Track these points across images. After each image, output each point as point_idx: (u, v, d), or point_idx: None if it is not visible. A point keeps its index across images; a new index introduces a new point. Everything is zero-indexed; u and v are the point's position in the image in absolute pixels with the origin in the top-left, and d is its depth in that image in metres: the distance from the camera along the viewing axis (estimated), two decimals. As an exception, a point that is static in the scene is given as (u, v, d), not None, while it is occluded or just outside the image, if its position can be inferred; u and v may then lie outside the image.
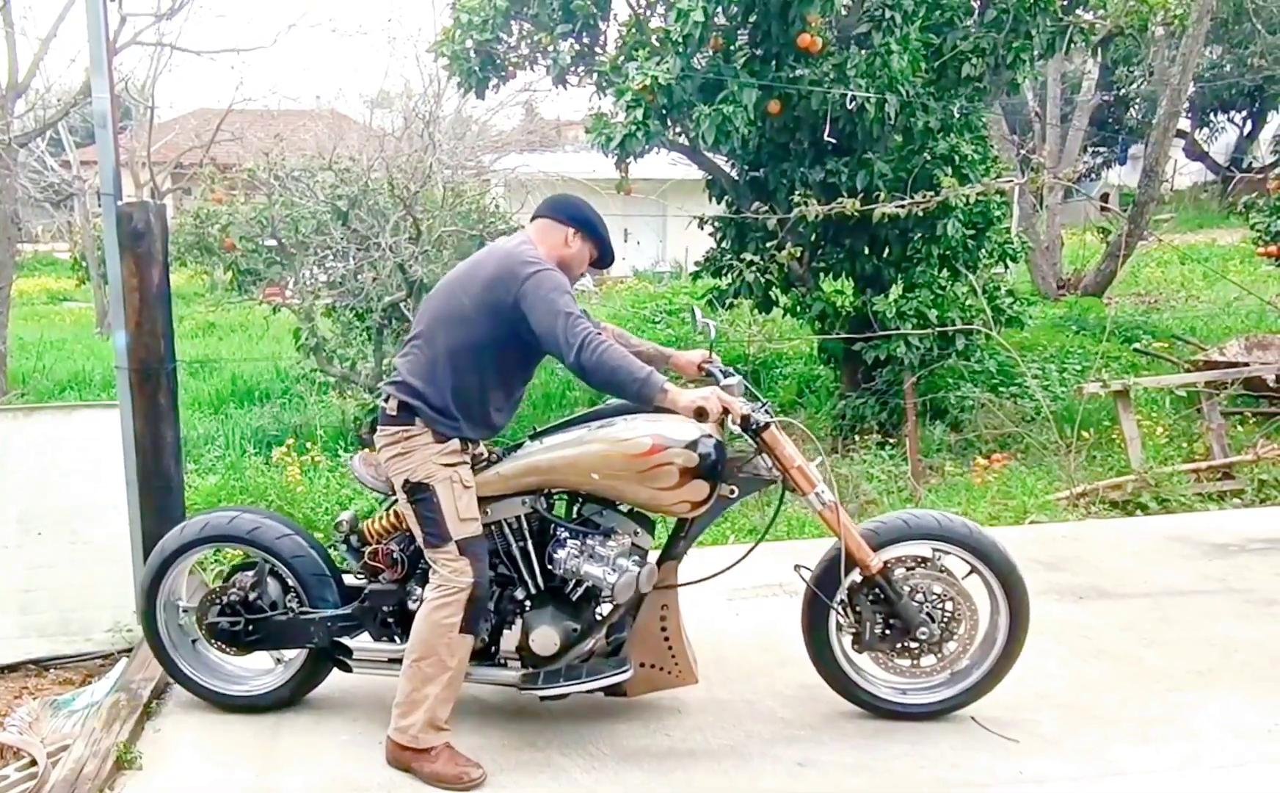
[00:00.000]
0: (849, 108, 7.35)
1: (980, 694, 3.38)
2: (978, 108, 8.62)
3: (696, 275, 9.43)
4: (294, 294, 8.36)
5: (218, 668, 3.61)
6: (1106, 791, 3.05)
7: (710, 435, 3.07)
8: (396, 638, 3.38)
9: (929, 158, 7.84)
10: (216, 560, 4.58)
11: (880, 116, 7.40)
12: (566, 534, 3.23)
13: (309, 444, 7.08)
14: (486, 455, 3.29)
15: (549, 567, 3.25)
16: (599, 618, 3.28)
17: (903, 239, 8.04)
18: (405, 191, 7.89)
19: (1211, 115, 28.16)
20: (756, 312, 8.90)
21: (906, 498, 6.49)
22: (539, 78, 9.12)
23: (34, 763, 3.29)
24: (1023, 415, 8.12)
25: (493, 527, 3.26)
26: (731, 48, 7.66)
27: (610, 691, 3.33)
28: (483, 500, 3.21)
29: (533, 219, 3.34)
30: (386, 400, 3.19)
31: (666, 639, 3.32)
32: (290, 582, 3.45)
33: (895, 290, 8.32)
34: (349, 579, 3.50)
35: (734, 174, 8.85)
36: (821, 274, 8.71)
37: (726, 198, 8.99)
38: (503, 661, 3.32)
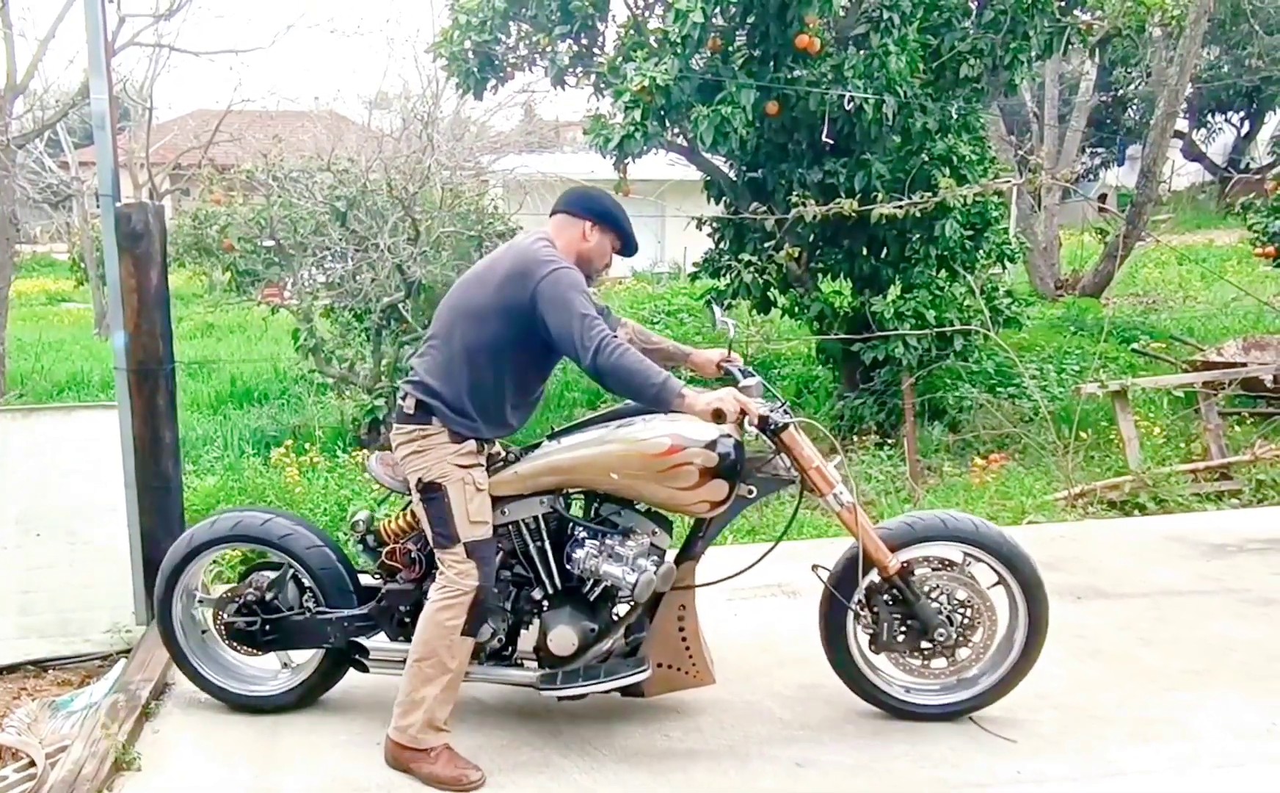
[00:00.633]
0: (847, 109, 7.36)
1: (992, 699, 3.38)
2: (975, 109, 8.63)
3: (695, 276, 9.44)
4: (292, 295, 8.36)
5: (229, 667, 3.60)
6: (1105, 791, 3.06)
7: (729, 436, 3.07)
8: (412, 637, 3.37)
9: (927, 158, 7.85)
10: (214, 561, 4.56)
11: (878, 117, 7.41)
12: (585, 534, 3.22)
13: (307, 445, 7.08)
14: (503, 455, 3.28)
15: (566, 567, 3.24)
16: (616, 618, 3.28)
17: (901, 240, 8.05)
18: (404, 192, 7.89)
19: (1209, 116, 28.19)
20: (755, 312, 8.91)
21: (905, 499, 6.49)
22: (537, 79, 9.13)
23: (33, 764, 3.30)
24: (1021, 416, 8.13)
25: (510, 527, 3.26)
26: (730, 49, 7.66)
27: (627, 691, 3.32)
28: (500, 500, 3.21)
29: (551, 214, 3.31)
30: (404, 398, 3.18)
31: (684, 640, 3.32)
32: (307, 582, 3.44)
33: (893, 291, 8.33)
34: (364, 579, 3.50)
35: (732, 175, 8.86)
36: (820, 275, 8.72)
37: (725, 198, 9.00)
38: (519, 661, 3.32)
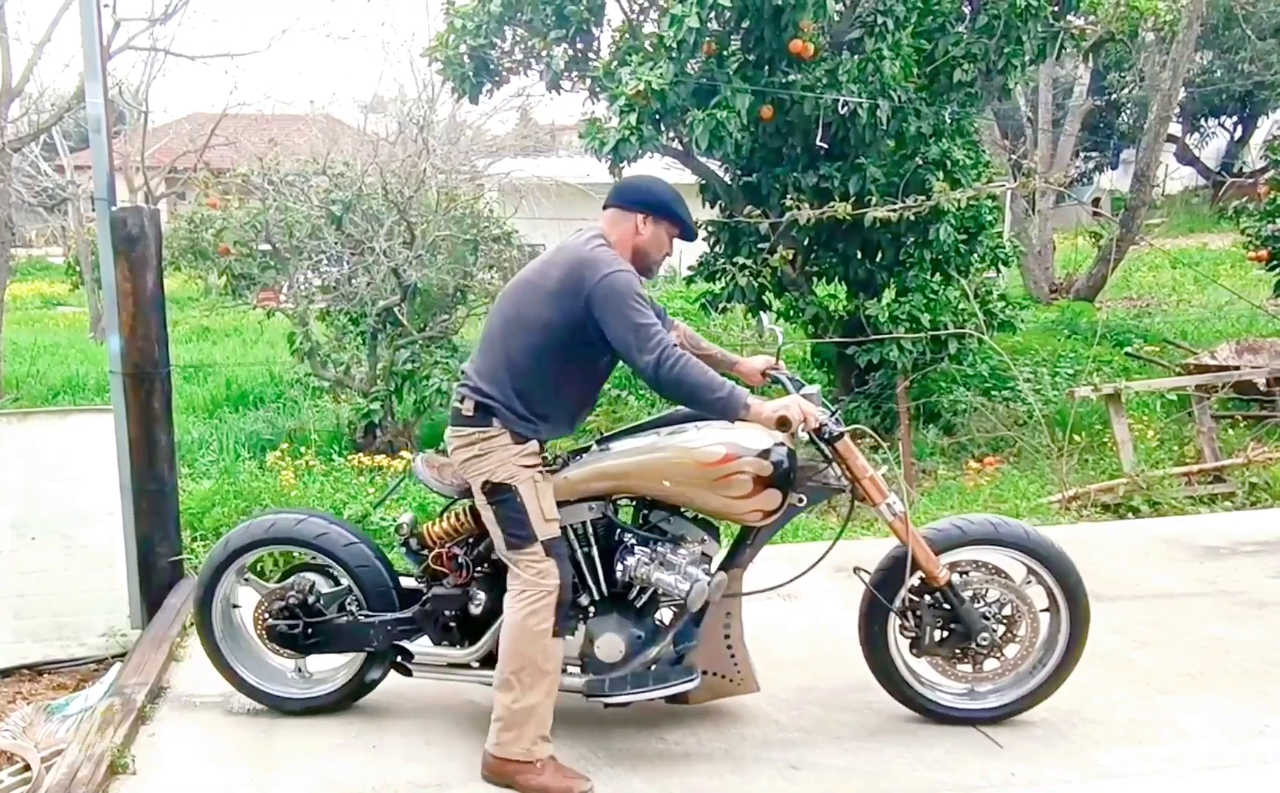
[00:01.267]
0: (841, 113, 7.37)
1: (1035, 703, 3.39)
2: (969, 113, 8.65)
3: (690, 280, 9.44)
4: (288, 298, 8.35)
5: (259, 664, 3.60)
6: None
7: (782, 445, 3.07)
8: (458, 643, 3.36)
9: (921, 163, 7.86)
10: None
11: (872, 121, 7.43)
12: (635, 541, 3.21)
13: (303, 448, 7.08)
14: (551, 460, 3.26)
15: (614, 573, 3.23)
16: (662, 625, 3.26)
17: (895, 243, 8.06)
18: (399, 196, 7.90)
19: (1202, 120, 28.29)
20: (750, 316, 8.91)
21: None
22: (532, 83, 9.12)
23: (28, 768, 3.30)
24: (1015, 419, 8.14)
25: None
26: (724, 53, 7.68)
27: (672, 698, 3.31)
28: None
29: (605, 208, 3.25)
30: (461, 401, 3.13)
31: (730, 648, 3.32)
32: (348, 583, 3.43)
33: (888, 294, 8.35)
34: (406, 583, 3.49)
35: (727, 178, 8.87)
36: (814, 278, 8.73)
37: (720, 202, 9.01)
38: (565, 667, 3.28)
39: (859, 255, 8.37)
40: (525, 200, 11.82)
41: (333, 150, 9.34)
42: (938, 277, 8.25)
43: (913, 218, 7.55)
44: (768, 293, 8.56)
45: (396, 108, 11.27)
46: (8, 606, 4.25)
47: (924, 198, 7.37)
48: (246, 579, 3.58)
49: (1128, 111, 25.07)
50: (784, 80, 7.48)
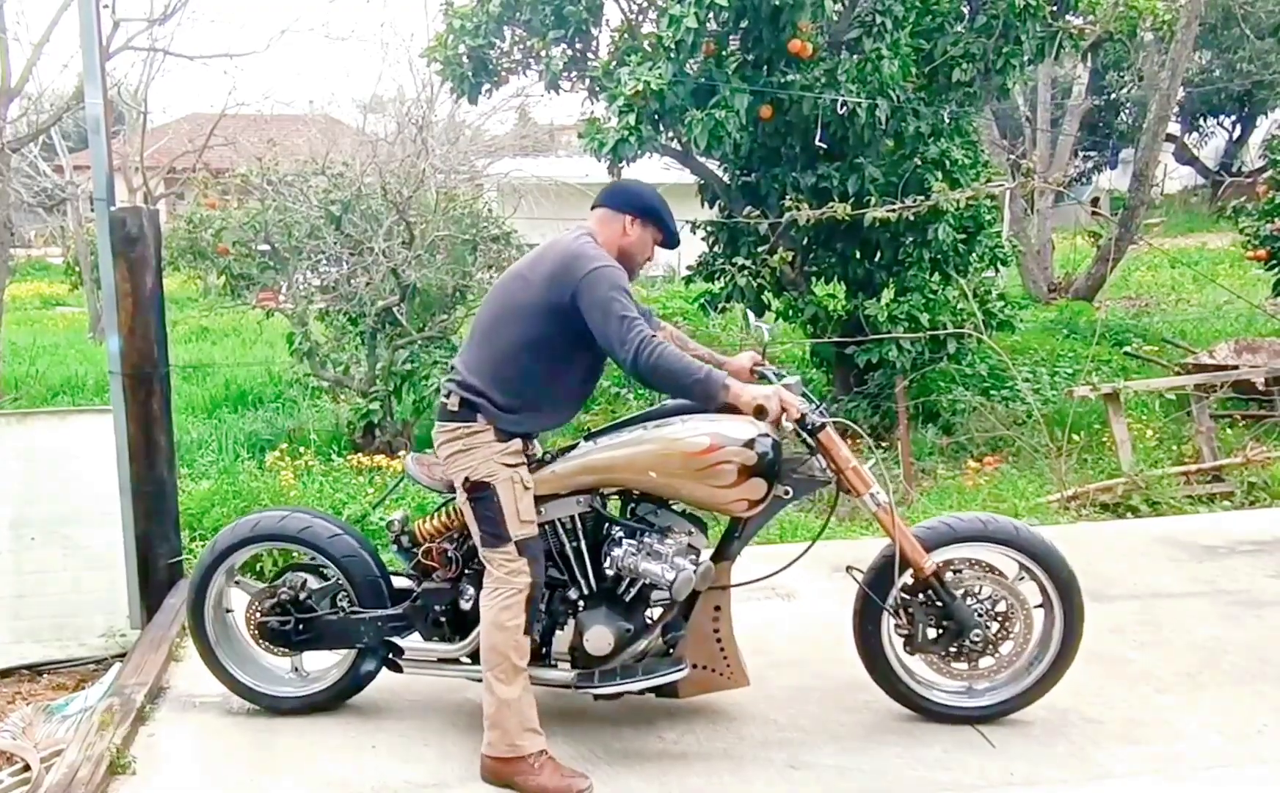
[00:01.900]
0: (840, 113, 7.38)
1: (1031, 700, 3.40)
2: (968, 113, 8.66)
3: (689, 279, 9.44)
4: (287, 299, 8.36)
5: (255, 666, 3.61)
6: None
7: (767, 435, 3.09)
8: (448, 638, 3.38)
9: (920, 162, 7.87)
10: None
11: (871, 121, 7.43)
12: (622, 533, 3.24)
13: (302, 449, 7.08)
14: (540, 455, 3.29)
15: (602, 567, 3.25)
16: (651, 619, 3.28)
17: (894, 243, 8.07)
18: (398, 196, 7.90)
19: (1201, 120, 28.31)
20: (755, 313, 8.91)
21: (898, 501, 6.49)
22: (531, 83, 9.13)
23: (27, 768, 3.31)
24: (1014, 419, 8.14)
25: (546, 527, 3.26)
26: (723, 53, 7.68)
27: (662, 692, 3.33)
28: (537, 500, 3.21)
29: (593, 208, 3.32)
30: (447, 396, 3.18)
31: (719, 641, 3.33)
32: (340, 581, 3.44)
33: (887, 294, 8.35)
34: (397, 580, 3.51)
35: (726, 178, 8.88)
36: (813, 278, 8.74)
37: (718, 202, 9.02)
38: (554, 662, 3.31)
39: (858, 255, 8.38)
40: (524, 200, 11.82)
41: (332, 151, 9.34)
42: (936, 276, 8.25)
43: (912, 218, 7.55)
44: (767, 293, 8.57)
45: (395, 108, 11.28)
46: (7, 606, 4.26)
47: (923, 198, 7.37)
48: (238, 582, 3.59)
49: (1126, 111, 25.10)
50: (783, 80, 7.48)
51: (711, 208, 9.15)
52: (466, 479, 3.12)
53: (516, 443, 3.13)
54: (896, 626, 3.34)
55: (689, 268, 9.37)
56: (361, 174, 8.26)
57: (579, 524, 3.28)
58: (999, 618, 3.30)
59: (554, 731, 3.39)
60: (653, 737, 3.39)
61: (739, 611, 4.30)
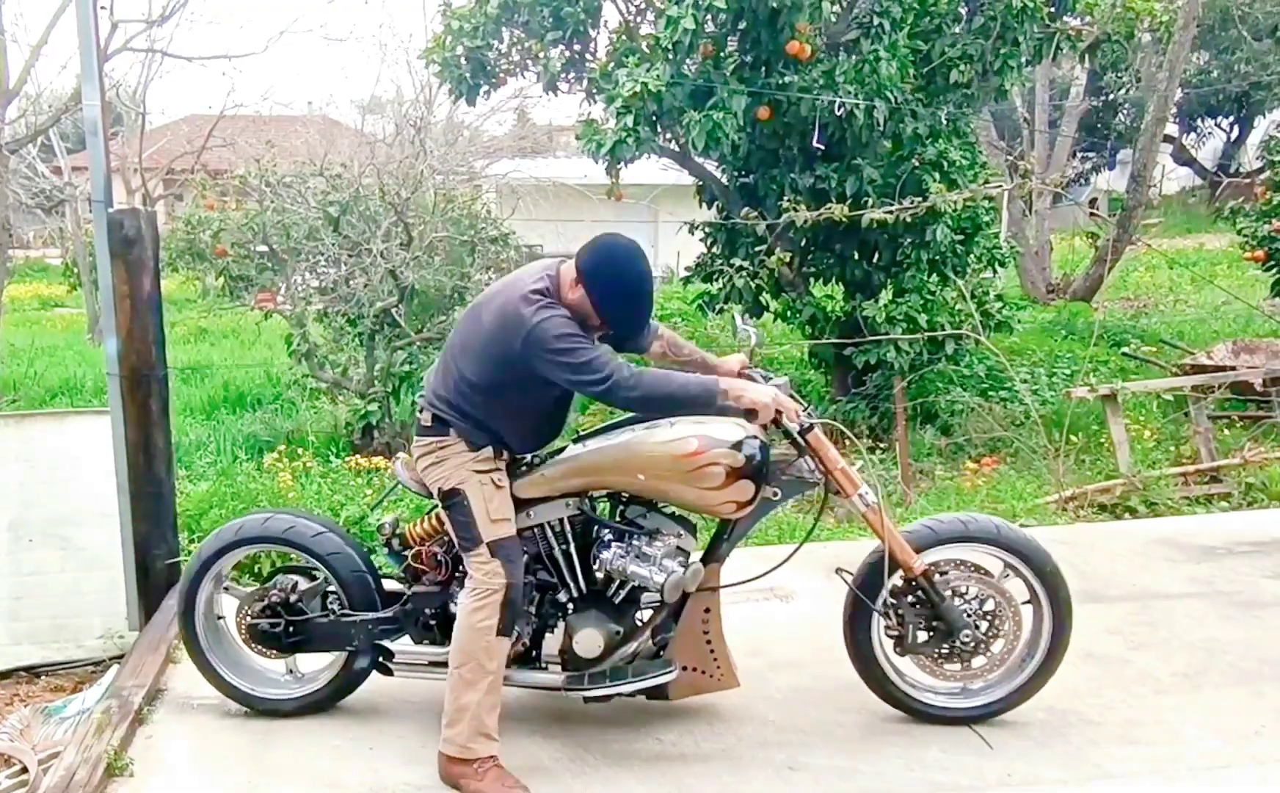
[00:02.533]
0: (838, 114, 7.38)
1: (1020, 700, 3.40)
2: (966, 114, 8.65)
3: (687, 280, 9.43)
4: (286, 300, 8.35)
5: (250, 670, 3.61)
6: None
7: (755, 437, 3.11)
8: (438, 641, 3.39)
9: (918, 164, 7.86)
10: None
11: (869, 123, 7.44)
12: (611, 535, 3.25)
13: (300, 450, 7.07)
14: (529, 458, 3.30)
15: (592, 569, 3.27)
16: (641, 621, 3.29)
17: (892, 244, 8.07)
18: (397, 197, 7.89)
19: (1199, 121, 28.31)
20: (747, 316, 8.90)
21: (897, 502, 6.51)
22: (530, 84, 9.15)
23: (25, 770, 3.31)
24: (1012, 420, 8.15)
25: (535, 529, 3.27)
26: (721, 54, 7.68)
27: (652, 694, 3.34)
28: (526, 503, 3.23)
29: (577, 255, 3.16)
30: (421, 412, 3.23)
31: (709, 642, 3.34)
32: (331, 585, 3.45)
33: (885, 295, 8.35)
34: (388, 583, 3.51)
35: (724, 179, 8.88)
36: (811, 279, 8.74)
37: (717, 203, 9.02)
38: (544, 664, 3.32)
39: (856, 256, 8.38)
40: (523, 201, 11.82)
41: (330, 152, 9.35)
42: (935, 277, 8.25)
43: (910, 219, 7.55)
44: (765, 294, 8.57)
45: (394, 109, 11.30)
46: (5, 608, 4.26)
47: (921, 199, 7.38)
48: (227, 588, 3.59)
49: (1124, 112, 25.10)
50: (780, 82, 7.48)
51: (709, 209, 9.16)
52: (440, 489, 3.16)
53: (488, 450, 3.14)
54: (887, 627, 3.34)
55: (687, 269, 9.37)
56: (360, 175, 8.26)
57: (568, 527, 3.29)
58: (988, 617, 3.31)
59: (552, 732, 3.40)
60: (651, 738, 3.39)
61: (737, 612, 4.32)
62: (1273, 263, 9.72)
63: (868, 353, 7.96)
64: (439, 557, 3.36)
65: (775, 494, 3.23)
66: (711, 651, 3.34)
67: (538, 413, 3.17)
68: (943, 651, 3.31)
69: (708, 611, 3.32)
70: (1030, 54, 8.16)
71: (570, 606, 3.29)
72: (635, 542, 3.22)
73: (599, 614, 3.27)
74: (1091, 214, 15.74)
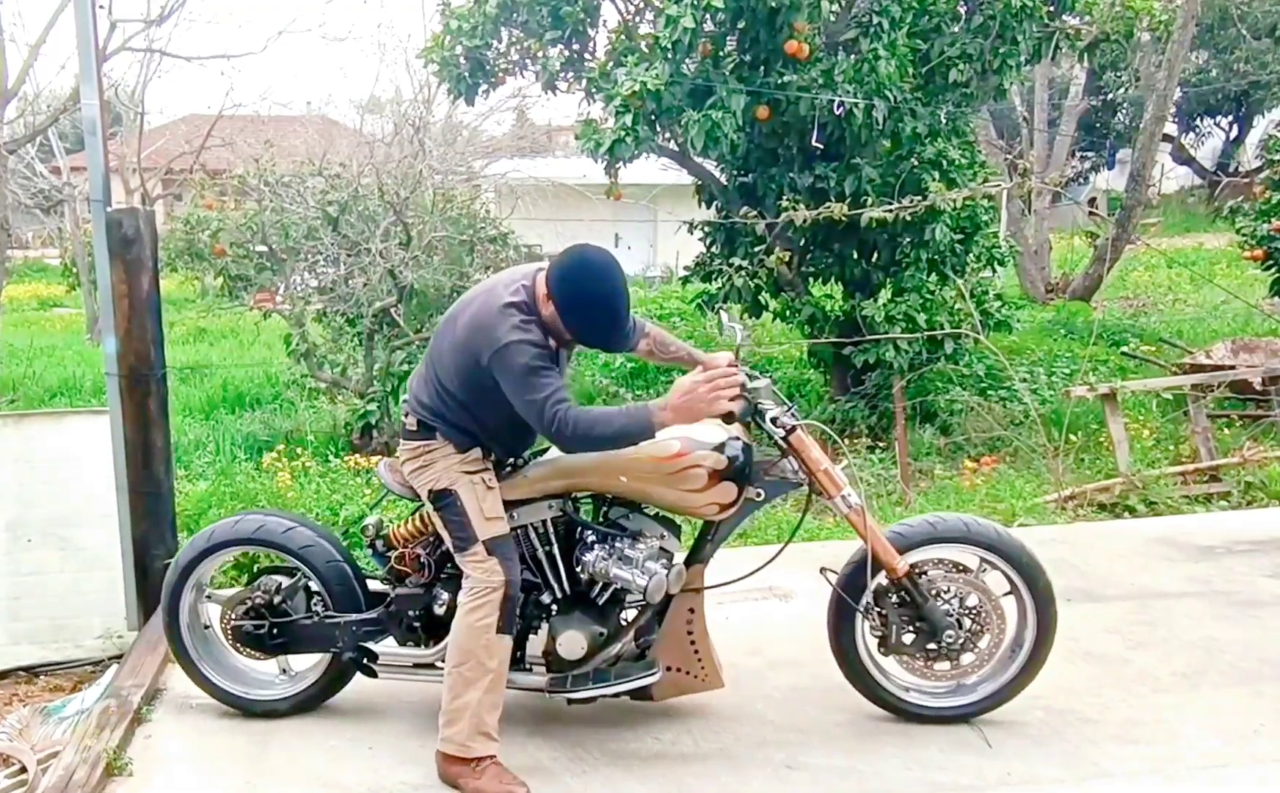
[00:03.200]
0: (837, 113, 7.38)
1: (1003, 701, 3.39)
2: (965, 113, 8.66)
3: (686, 280, 9.43)
4: (284, 300, 8.35)
5: (242, 674, 3.60)
6: (1093, 792, 3.08)
7: (737, 438, 3.11)
8: (423, 643, 3.38)
9: (917, 163, 7.87)
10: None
11: (868, 122, 7.44)
12: (594, 537, 3.24)
13: (299, 450, 7.08)
14: (512, 460, 3.29)
15: (575, 571, 3.26)
16: (625, 623, 3.29)
17: (891, 244, 8.08)
18: (395, 197, 7.89)
19: (1198, 120, 28.33)
20: (746, 316, 8.91)
21: (896, 501, 6.51)
22: (528, 84, 9.15)
23: (24, 770, 3.30)
24: (1011, 419, 8.15)
25: (519, 531, 3.26)
26: (720, 54, 7.68)
27: (636, 694, 3.34)
28: (509, 504, 3.22)
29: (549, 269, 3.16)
30: (406, 417, 3.21)
31: (693, 643, 3.34)
32: (315, 587, 3.44)
33: (884, 295, 8.35)
34: (372, 585, 3.50)
35: (723, 179, 8.88)
36: (811, 278, 8.75)
37: (716, 203, 9.02)
38: (529, 666, 3.32)
39: (855, 256, 8.38)
40: (521, 201, 11.82)
41: (329, 151, 9.35)
42: (934, 277, 8.25)
43: (909, 218, 7.55)
44: (764, 293, 8.58)
45: (393, 109, 11.30)
46: (4, 608, 4.25)
47: (920, 198, 7.38)
48: (209, 596, 3.59)
49: (1123, 111, 25.12)
50: (779, 81, 7.48)
51: (709, 208, 9.16)
52: (430, 491, 3.15)
53: (476, 451, 3.14)
54: (870, 627, 3.34)
55: (686, 268, 9.37)
56: (359, 175, 8.26)
57: (551, 528, 3.29)
58: (970, 613, 3.31)
59: (549, 732, 3.40)
60: (650, 738, 3.39)
61: (736, 612, 4.34)
62: (1271, 262, 9.71)
63: (867, 352, 7.96)
64: (423, 559, 3.35)
65: (758, 496, 3.23)
66: (696, 652, 3.34)
67: (514, 418, 3.13)
68: (930, 651, 3.31)
69: (692, 611, 3.32)
70: (1029, 53, 8.16)
71: (554, 607, 3.29)
72: (618, 544, 3.22)
73: (582, 616, 3.27)
74: (1090, 213, 15.75)
